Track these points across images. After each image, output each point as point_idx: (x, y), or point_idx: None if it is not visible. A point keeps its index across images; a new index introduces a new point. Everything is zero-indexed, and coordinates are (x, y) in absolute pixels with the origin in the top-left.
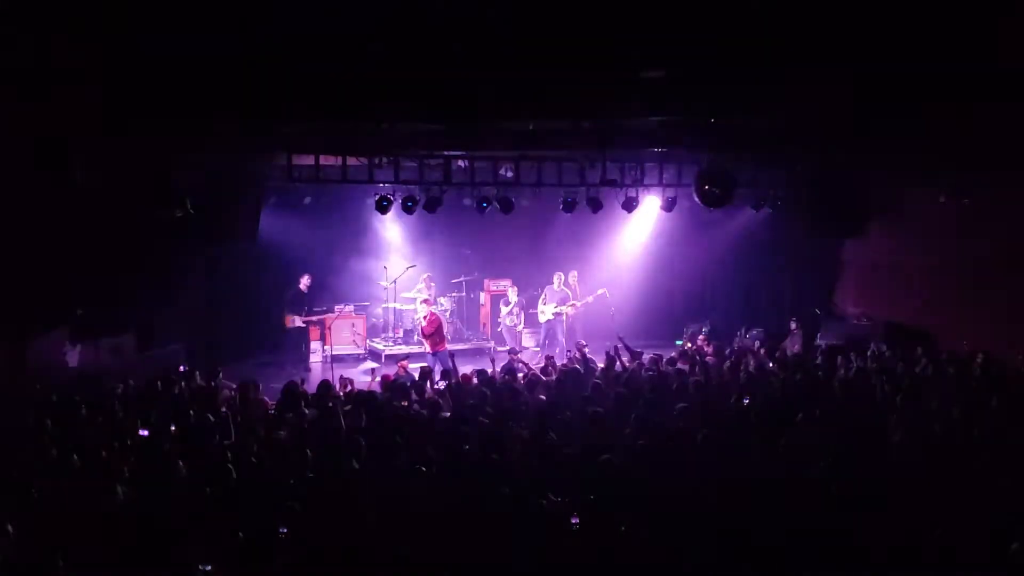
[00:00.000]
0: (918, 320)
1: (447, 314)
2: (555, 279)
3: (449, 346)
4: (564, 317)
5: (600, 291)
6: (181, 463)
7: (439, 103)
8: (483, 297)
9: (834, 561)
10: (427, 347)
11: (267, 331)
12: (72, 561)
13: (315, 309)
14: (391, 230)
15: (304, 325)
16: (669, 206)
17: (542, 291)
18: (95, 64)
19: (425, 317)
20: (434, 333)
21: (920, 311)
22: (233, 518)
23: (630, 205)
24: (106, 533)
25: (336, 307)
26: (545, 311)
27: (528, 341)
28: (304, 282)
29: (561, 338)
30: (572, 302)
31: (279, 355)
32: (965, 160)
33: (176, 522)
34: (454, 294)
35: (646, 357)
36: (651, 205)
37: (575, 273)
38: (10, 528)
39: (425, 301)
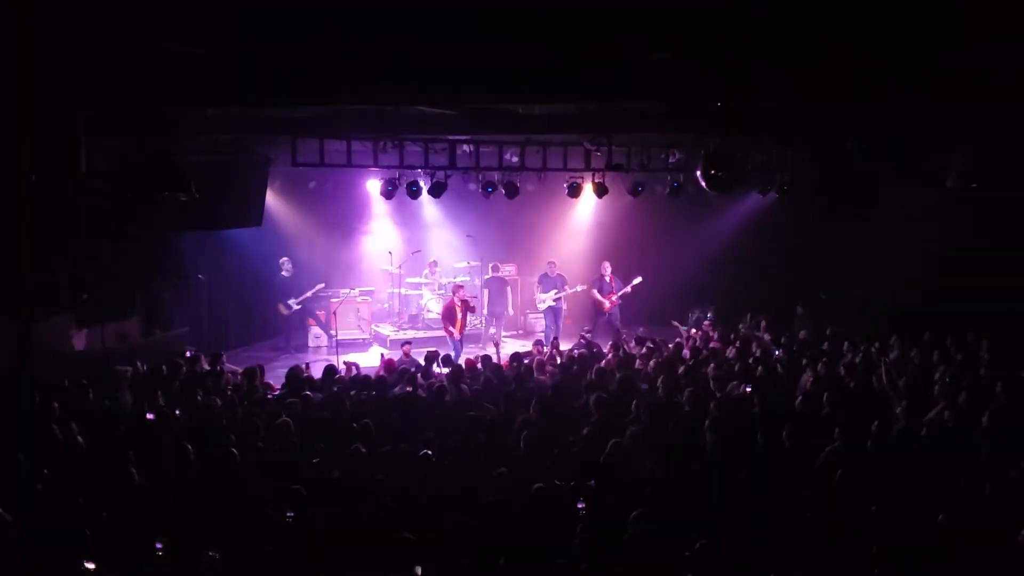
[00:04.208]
0: (925, 305)
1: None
2: (548, 266)
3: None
4: (563, 303)
5: (636, 280)
6: (190, 447)
7: (443, 85)
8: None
9: (836, 549)
10: (456, 331)
11: (271, 316)
12: (80, 545)
13: (314, 292)
14: (396, 214)
15: (299, 307)
16: (676, 192)
17: (537, 278)
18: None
19: (461, 300)
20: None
21: (927, 296)
22: (239, 503)
23: (636, 190)
24: (114, 517)
25: (341, 291)
26: (544, 299)
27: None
28: (285, 268)
29: (560, 323)
30: (609, 297)
31: (283, 340)
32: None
33: (183, 506)
34: (458, 279)
35: (651, 343)
36: (656, 190)
37: (608, 265)
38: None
39: (460, 286)
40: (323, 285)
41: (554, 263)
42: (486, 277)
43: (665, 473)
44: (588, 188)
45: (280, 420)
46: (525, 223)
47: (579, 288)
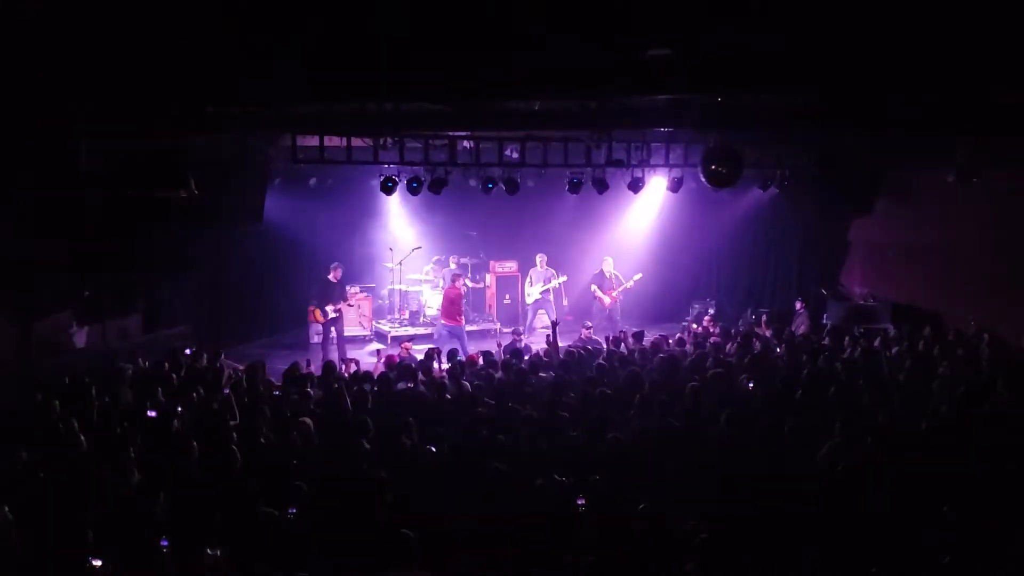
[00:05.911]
0: (925, 300)
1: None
2: (538, 260)
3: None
4: (551, 296)
5: (637, 276)
6: (195, 444)
7: (443, 82)
8: (488, 279)
9: (838, 541)
10: (462, 319)
11: (272, 312)
12: (82, 543)
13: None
14: (396, 211)
15: (336, 315)
16: (675, 186)
17: (527, 274)
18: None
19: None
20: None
21: (927, 291)
22: (241, 499)
23: (636, 185)
24: (115, 515)
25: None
26: (532, 292)
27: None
28: (335, 274)
29: (552, 316)
30: (609, 292)
31: (284, 336)
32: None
33: (185, 504)
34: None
35: (651, 338)
36: (657, 185)
37: (610, 260)
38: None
39: (458, 275)
40: (357, 290)
41: (544, 257)
42: (445, 270)
43: (667, 467)
44: (584, 184)
45: (282, 416)
46: (527, 220)
47: (562, 279)
